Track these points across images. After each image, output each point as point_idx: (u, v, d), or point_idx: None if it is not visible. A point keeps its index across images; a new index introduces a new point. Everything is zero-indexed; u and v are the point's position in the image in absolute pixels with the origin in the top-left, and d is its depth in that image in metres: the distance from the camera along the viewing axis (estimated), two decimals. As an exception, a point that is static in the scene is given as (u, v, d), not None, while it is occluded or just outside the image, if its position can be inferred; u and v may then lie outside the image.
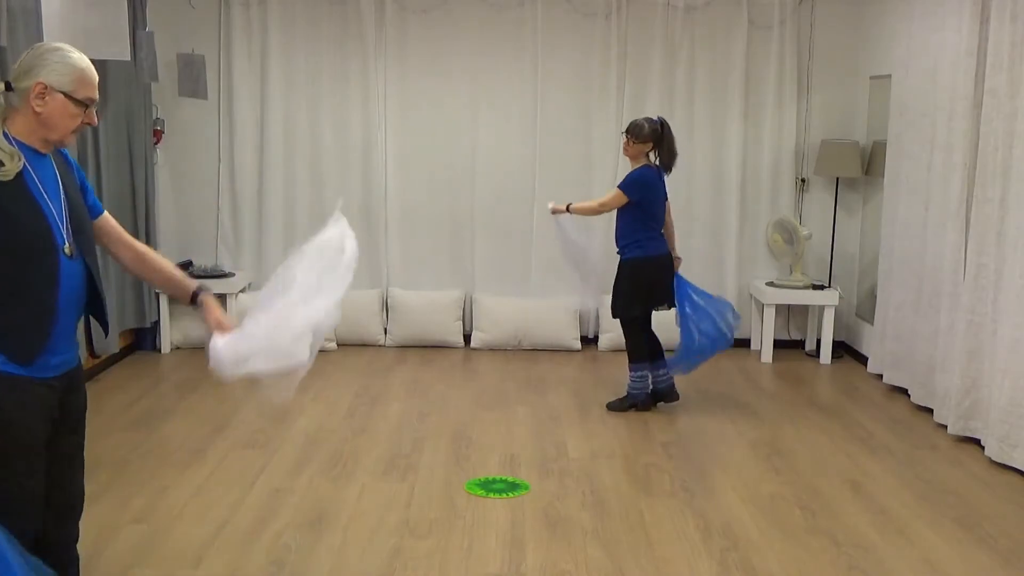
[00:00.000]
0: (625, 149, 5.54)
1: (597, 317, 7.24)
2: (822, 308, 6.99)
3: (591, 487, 4.48)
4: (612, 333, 7.09)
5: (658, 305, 5.57)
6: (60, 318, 2.56)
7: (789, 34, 7.08)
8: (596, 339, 7.26)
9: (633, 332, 5.56)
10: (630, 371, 5.64)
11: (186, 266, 7.00)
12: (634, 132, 5.44)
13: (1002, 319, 4.85)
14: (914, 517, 4.18)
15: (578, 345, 7.13)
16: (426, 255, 7.27)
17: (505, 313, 7.11)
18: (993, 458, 4.85)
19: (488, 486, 4.45)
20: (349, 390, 6.01)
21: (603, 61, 7.09)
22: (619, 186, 5.53)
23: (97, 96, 2.62)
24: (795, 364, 6.94)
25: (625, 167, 7.11)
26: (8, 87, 2.53)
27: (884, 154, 6.45)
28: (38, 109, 2.51)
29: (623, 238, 5.53)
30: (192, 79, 6.78)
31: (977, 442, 5.09)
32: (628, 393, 5.68)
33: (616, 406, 5.67)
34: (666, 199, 5.58)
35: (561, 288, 7.22)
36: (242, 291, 6.94)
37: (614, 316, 5.65)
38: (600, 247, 6.28)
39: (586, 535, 3.95)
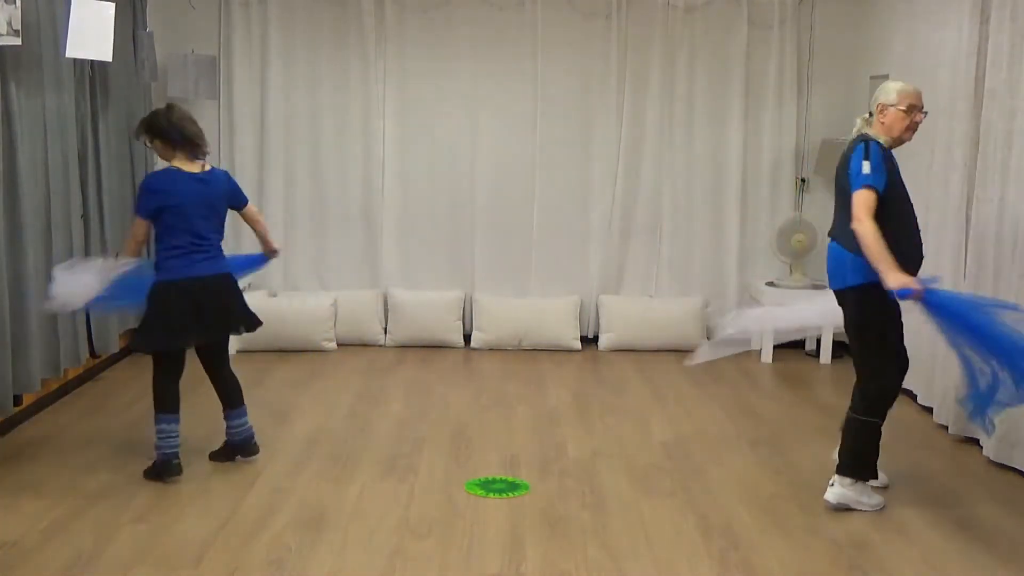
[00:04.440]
0: (159, 153, 4.48)
1: (597, 317, 7.25)
2: (822, 308, 6.98)
3: (591, 487, 4.48)
4: (612, 333, 7.11)
5: (215, 334, 4.58)
6: None
7: (789, 34, 7.08)
8: (596, 339, 7.25)
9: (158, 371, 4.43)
10: (155, 423, 4.39)
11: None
12: (147, 133, 4.43)
13: (1002, 319, 4.84)
14: (914, 517, 4.18)
15: (578, 345, 7.12)
16: (426, 255, 7.27)
17: (505, 313, 7.11)
18: (992, 458, 4.85)
19: (488, 486, 4.46)
20: (349, 390, 6.01)
21: (603, 61, 7.10)
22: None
23: (919, 103, 4.05)
24: (795, 364, 6.94)
25: (627, 166, 7.22)
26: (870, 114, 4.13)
27: (884, 154, 6.44)
28: (881, 120, 4.08)
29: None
30: (196, 79, 6.79)
31: (976, 442, 5.09)
32: (157, 456, 4.41)
33: (148, 474, 4.42)
34: (239, 201, 4.79)
35: (561, 288, 7.26)
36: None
37: (146, 350, 4.63)
38: None
39: (586, 535, 3.95)
